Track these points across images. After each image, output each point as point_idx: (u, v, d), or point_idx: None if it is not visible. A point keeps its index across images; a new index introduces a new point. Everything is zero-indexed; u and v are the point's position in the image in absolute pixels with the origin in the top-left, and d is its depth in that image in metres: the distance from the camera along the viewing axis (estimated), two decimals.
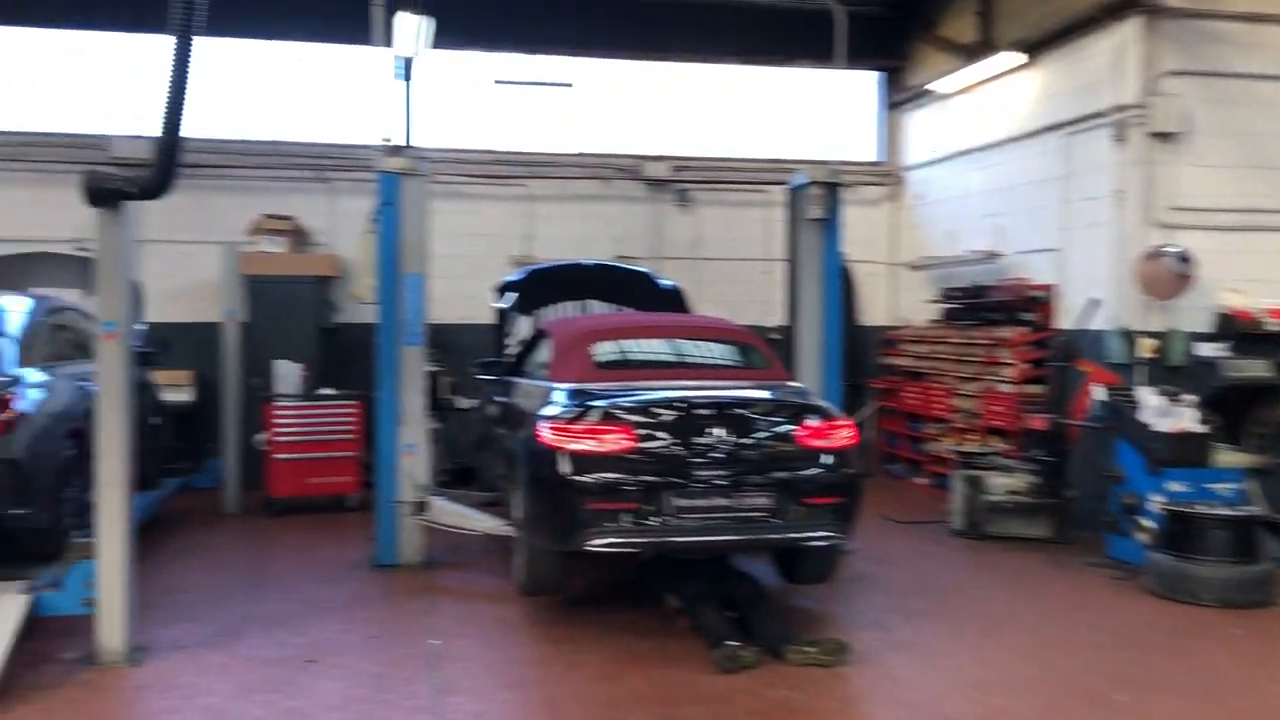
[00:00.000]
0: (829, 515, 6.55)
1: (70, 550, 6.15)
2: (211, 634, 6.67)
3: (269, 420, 10.46)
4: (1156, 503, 8.42)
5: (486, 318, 11.32)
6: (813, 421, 6.63)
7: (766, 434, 6.55)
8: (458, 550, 8.77)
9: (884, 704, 5.65)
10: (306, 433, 10.48)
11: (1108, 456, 9.27)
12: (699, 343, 7.64)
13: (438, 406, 11.25)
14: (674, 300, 10.03)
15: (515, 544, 7.36)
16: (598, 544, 6.28)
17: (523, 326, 9.79)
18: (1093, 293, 9.84)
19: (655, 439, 6.40)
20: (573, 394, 6.84)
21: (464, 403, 11.78)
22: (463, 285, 12.74)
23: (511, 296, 9.94)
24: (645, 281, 10.22)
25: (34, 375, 6.87)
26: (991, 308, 11.52)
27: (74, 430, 7.13)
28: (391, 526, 8.34)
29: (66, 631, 6.36)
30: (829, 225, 8.97)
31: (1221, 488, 8.46)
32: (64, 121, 12.23)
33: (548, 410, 6.76)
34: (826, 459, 6.58)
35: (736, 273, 13.75)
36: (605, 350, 7.39)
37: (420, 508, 8.28)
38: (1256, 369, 8.92)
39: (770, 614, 6.45)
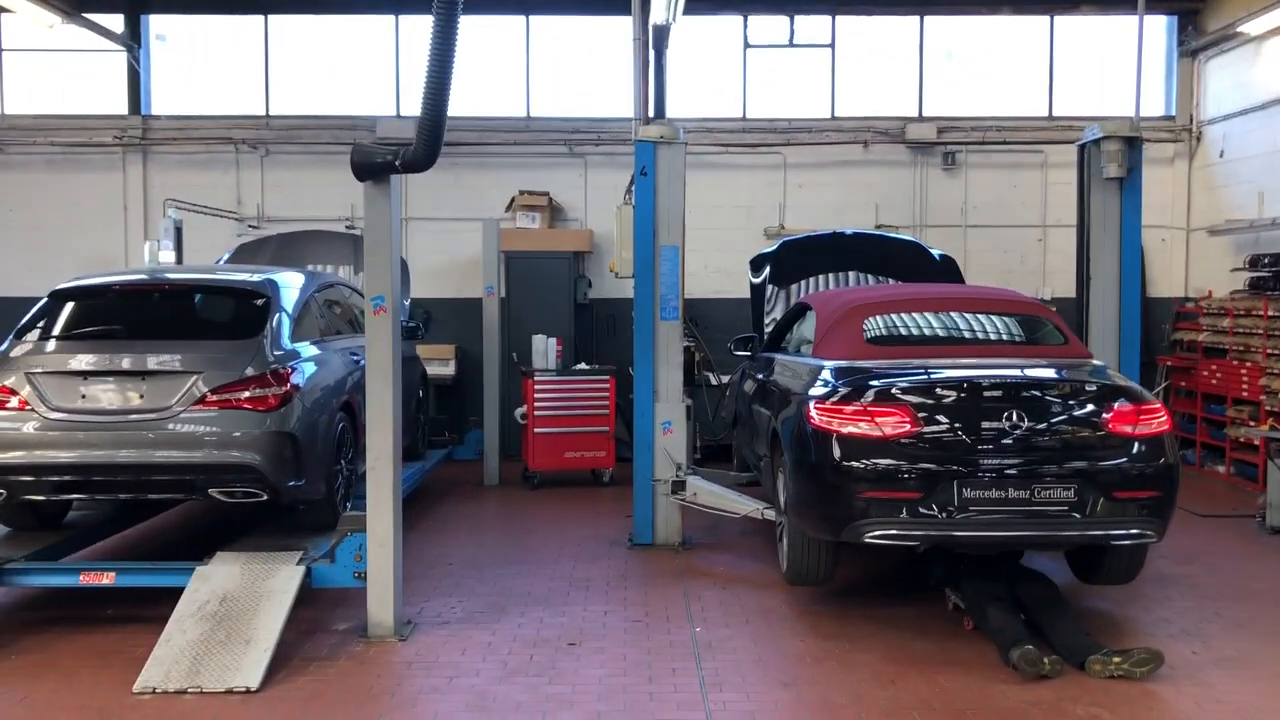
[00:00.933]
0: (1141, 511, 5.78)
1: (342, 523, 6.20)
2: (474, 609, 6.63)
3: (528, 394, 10.49)
4: None
5: (739, 291, 11.01)
6: (1121, 405, 5.87)
7: (1067, 418, 5.85)
8: (715, 531, 8.47)
9: None
10: (563, 407, 10.45)
11: None
12: (983, 316, 6.95)
13: (692, 383, 11.00)
14: (946, 272, 9.32)
15: (780, 530, 6.96)
16: (874, 536, 5.78)
17: (780, 300, 9.36)
18: None
19: (938, 423, 5.83)
20: (842, 372, 6.35)
21: (719, 379, 11.49)
22: (714, 258, 12.47)
23: (767, 270, 9.51)
24: (914, 251, 9.54)
25: (308, 349, 7.00)
26: None
27: (345, 404, 7.25)
28: (649, 505, 8.12)
29: (339, 602, 6.47)
30: (1127, 184, 8.07)
31: None
32: (336, 104, 12.69)
33: (816, 390, 6.30)
34: (1138, 447, 5.81)
35: (1007, 240, 12.82)
36: (877, 325, 6.84)
37: (678, 487, 8.01)
38: None
39: (1067, 618, 5.79)
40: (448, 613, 6.57)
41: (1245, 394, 11.01)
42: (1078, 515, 5.70)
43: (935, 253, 9.61)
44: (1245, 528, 8.86)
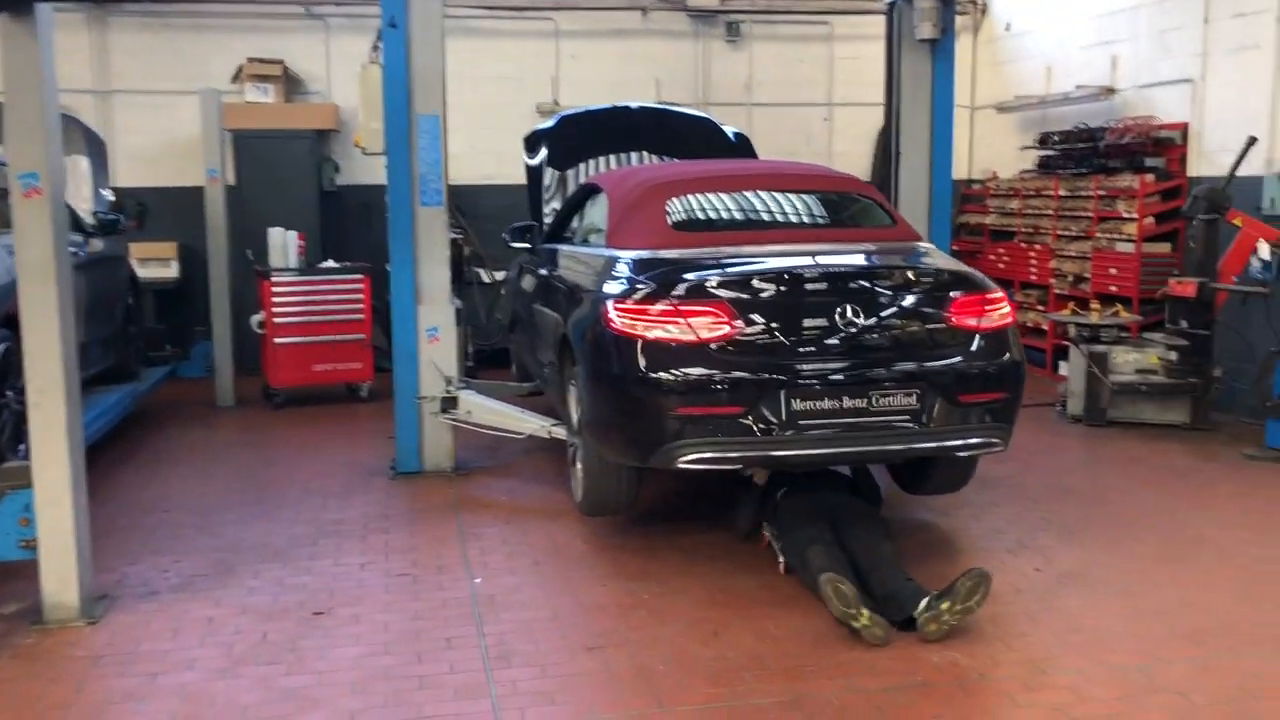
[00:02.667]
0: (987, 416, 5.04)
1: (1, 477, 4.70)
2: (194, 571, 5.29)
3: (265, 298, 8.94)
4: None
5: (513, 176, 9.72)
6: (963, 295, 5.06)
7: (906, 312, 4.99)
8: (494, 452, 7.34)
9: (1085, 670, 4.22)
10: (309, 312, 8.98)
11: (1274, 328, 7.72)
12: (802, 196, 5.96)
13: (461, 281, 9.72)
14: (743, 152, 8.33)
15: (573, 453, 5.90)
16: (689, 460, 4.79)
17: (561, 185, 8.16)
18: (1245, 129, 8.10)
19: (760, 323, 4.86)
20: (644, 265, 5.27)
21: (492, 277, 10.24)
22: (482, 138, 11.09)
23: (544, 150, 8.27)
24: (706, 129, 8.49)
25: None
26: (1105, 153, 9.79)
27: (8, 318, 5.61)
28: (414, 426, 6.89)
29: (7, 577, 4.99)
30: (940, 49, 7.26)
31: None
32: None
33: (613, 287, 5.20)
34: (983, 343, 5.03)
35: (793, 120, 12.02)
36: (682, 207, 5.74)
37: (448, 404, 6.81)
38: None
39: (888, 562, 4.79)
40: (158, 579, 5.20)
41: (1034, 278, 10.73)
42: (920, 425, 4.89)
43: (729, 130, 8.61)
44: (1045, 417, 8.49)
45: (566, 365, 5.79)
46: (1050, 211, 10.49)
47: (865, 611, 4.35)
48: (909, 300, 5.01)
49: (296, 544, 5.69)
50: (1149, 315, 9.13)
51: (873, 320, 4.88)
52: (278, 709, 3.95)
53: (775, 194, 5.87)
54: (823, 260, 5.19)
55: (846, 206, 5.98)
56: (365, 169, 10.23)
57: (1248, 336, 8.12)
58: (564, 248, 6.75)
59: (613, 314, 4.99)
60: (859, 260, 5.30)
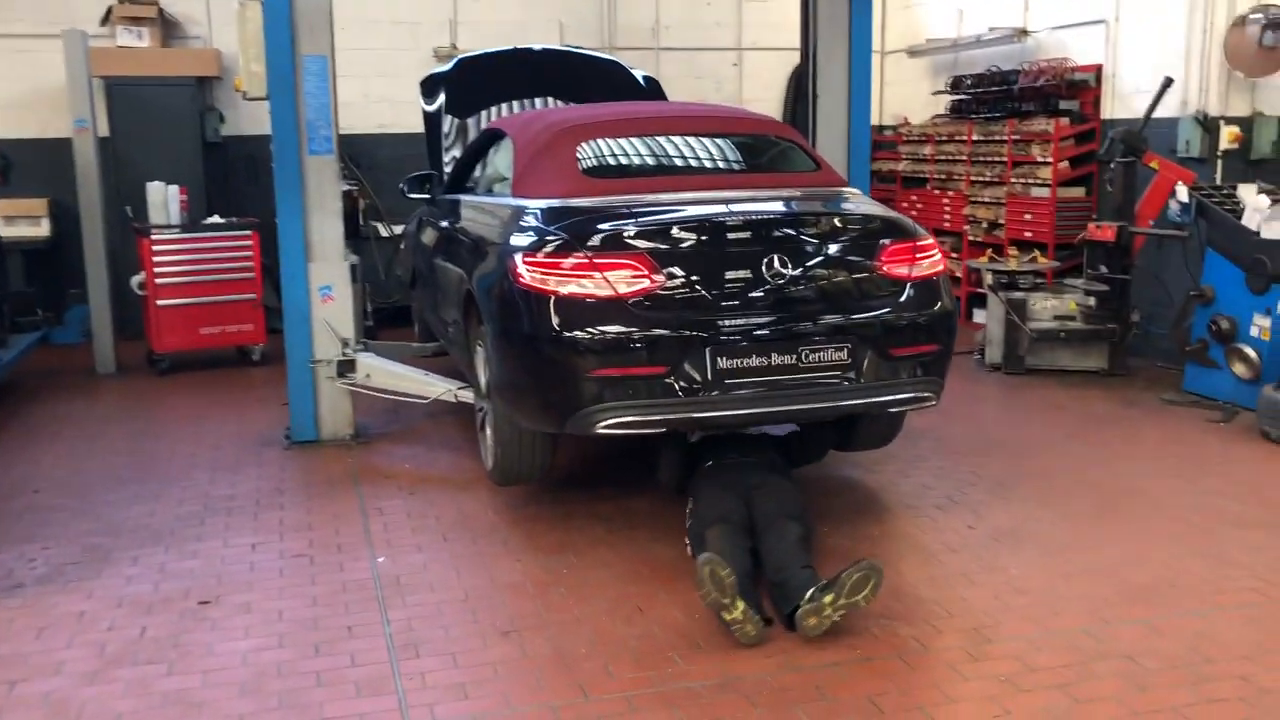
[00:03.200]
0: (919, 369, 4.78)
1: None
2: (65, 559, 4.80)
3: (145, 258, 8.32)
4: (1261, 327, 6.85)
5: (410, 125, 9.24)
6: (893, 242, 4.78)
7: (835, 262, 4.69)
8: (397, 416, 6.92)
9: (1030, 636, 4.02)
10: (194, 272, 8.40)
11: (1192, 272, 7.64)
12: (719, 140, 5.58)
13: (357, 235, 9.21)
14: (653, 97, 7.93)
15: (482, 418, 5.51)
16: (609, 425, 4.45)
17: (461, 133, 7.69)
18: (1160, 71, 7.97)
19: (683, 275, 4.51)
20: (555, 214, 4.87)
21: (391, 230, 9.71)
22: (376, 86, 10.55)
23: (442, 95, 7.77)
24: (614, 73, 8.06)
25: None
26: (1019, 96, 9.64)
27: None
28: (309, 393, 6.43)
29: None
30: None
31: None
32: None
33: (521, 239, 4.80)
34: (915, 293, 4.76)
35: (702, 65, 11.66)
36: (593, 152, 5.33)
37: (346, 368, 6.36)
38: None
39: (787, 543, 4.25)
40: (23, 570, 4.71)
41: (948, 224, 10.58)
42: (851, 380, 4.61)
43: (639, 74, 8.20)
44: (964, 366, 8.33)
45: (472, 324, 5.39)
46: (963, 157, 10.33)
47: (740, 605, 3.80)
48: (838, 249, 4.71)
49: (182, 524, 5.23)
50: (1065, 260, 9.03)
51: (800, 271, 4.57)
52: (156, 716, 3.53)
53: (692, 138, 5.51)
54: (747, 207, 4.85)
55: (767, 150, 5.64)
56: (252, 118, 9.59)
57: (1164, 279, 8.06)
58: (466, 198, 6.31)
59: (521, 268, 4.60)
60: (784, 207, 4.98)
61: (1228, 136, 7.87)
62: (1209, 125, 7.90)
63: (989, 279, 8.40)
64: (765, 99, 11.65)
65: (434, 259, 6.65)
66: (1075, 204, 9.18)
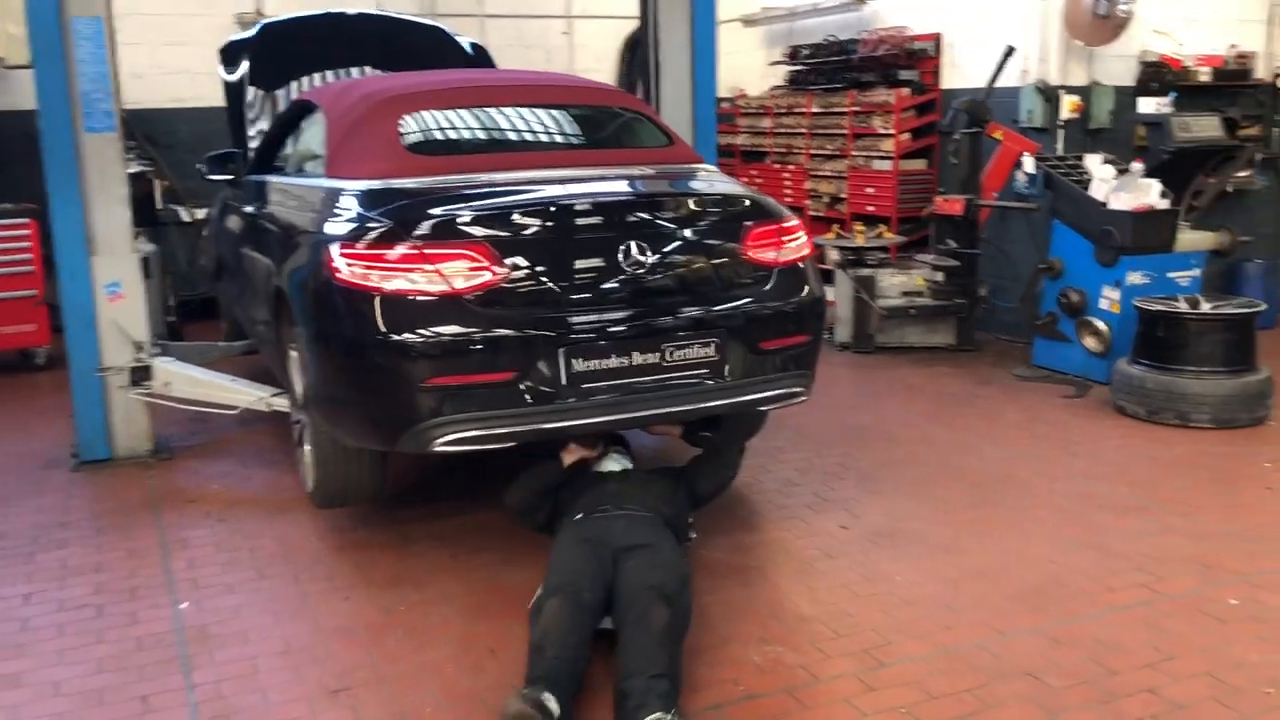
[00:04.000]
0: (791, 363, 4.38)
1: None
2: None
3: None
4: (1111, 299, 6.77)
5: (211, 99, 8.31)
6: (758, 225, 4.34)
7: (697, 248, 4.21)
8: (204, 426, 6.13)
9: (925, 656, 3.68)
10: None
11: (1038, 244, 7.54)
12: (562, 112, 5.02)
13: (155, 222, 8.28)
14: (482, 66, 7.31)
15: (300, 432, 4.84)
16: (449, 441, 3.87)
17: (270, 106, 6.91)
18: (999, 39, 7.82)
19: (529, 266, 3.96)
20: (377, 197, 4.24)
21: (193, 215, 8.78)
22: (168, 56, 9.58)
23: (245, 64, 6.96)
24: (438, 40, 7.38)
25: None
26: (858, 67, 9.42)
27: None
28: (98, 404, 5.61)
29: None
30: None
31: (1183, 276, 6.89)
32: None
33: (337, 226, 4.16)
34: (783, 280, 4.34)
35: (530, 34, 11.05)
36: (419, 126, 4.69)
37: (140, 375, 5.56)
38: (1208, 129, 7.27)
39: (651, 649, 3.23)
40: None
41: (789, 199, 10.30)
42: (720, 379, 4.16)
43: (465, 42, 7.56)
44: None
45: (284, 325, 4.71)
46: (803, 130, 10.07)
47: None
48: (700, 234, 4.23)
49: None
50: (910, 235, 8.86)
51: (660, 259, 4.08)
52: None
53: (531, 110, 4.93)
54: (598, 188, 4.34)
55: (614, 124, 5.12)
56: (26, 91, 8.47)
57: (1009, 252, 7.96)
58: (275, 179, 5.58)
59: (339, 261, 3.96)
60: (640, 187, 4.47)
61: (1069, 106, 7.79)
62: (1050, 95, 7.80)
63: (835, 256, 8.13)
64: (599, 70, 11.13)
65: (240, 248, 5.90)
66: (918, 176, 9.03)
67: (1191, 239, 7.02)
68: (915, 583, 4.15)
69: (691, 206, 4.31)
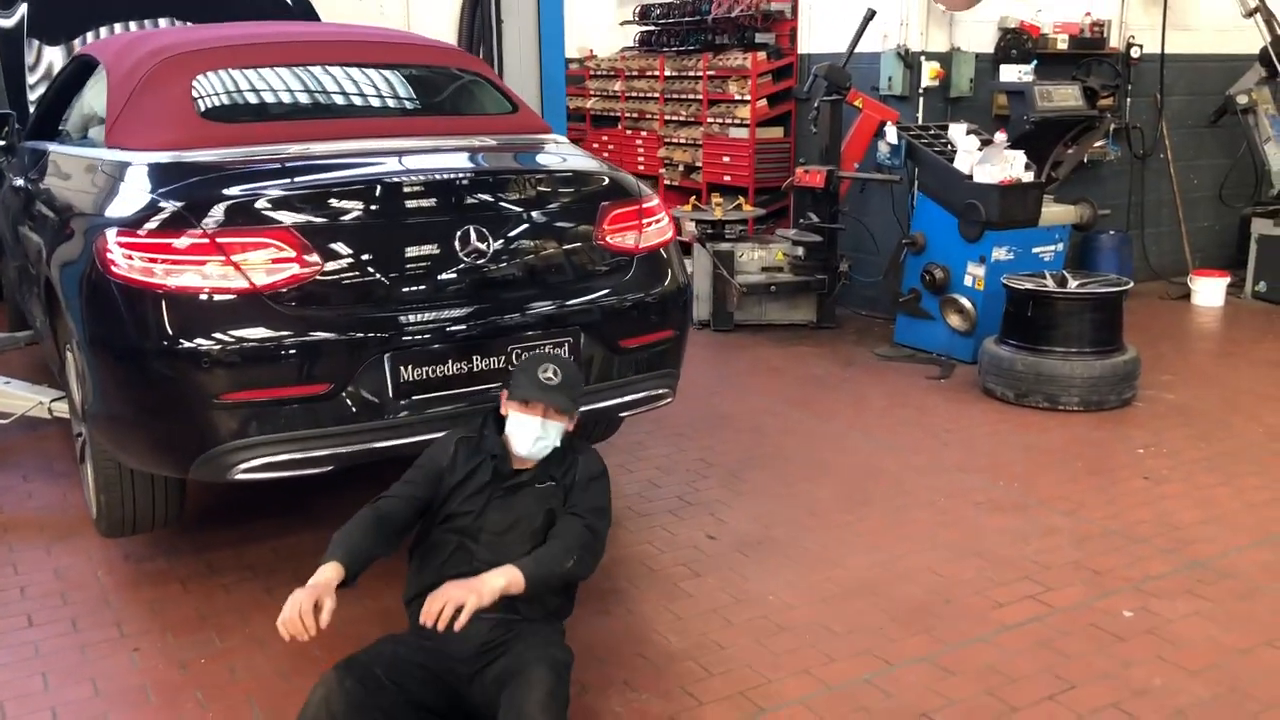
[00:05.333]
0: (655, 360, 3.90)
1: None
2: None
3: None
4: (976, 276, 6.54)
5: None
6: (616, 205, 3.84)
7: (547, 233, 3.68)
8: None
9: (810, 697, 3.29)
10: None
11: (900, 217, 7.28)
12: (385, 73, 4.35)
13: None
14: (302, 18, 6.58)
15: (82, 445, 4.12)
16: (252, 468, 3.27)
17: (51, 58, 6.05)
18: (860, 2, 7.48)
19: (346, 256, 3.36)
20: (164, 173, 3.56)
21: None
22: None
23: (22, 9, 6.07)
24: None
25: None
26: (712, 28, 8.98)
27: None
28: None
29: None
30: None
31: (1047, 251, 6.71)
32: None
33: (117, 208, 3.48)
34: (644, 268, 3.86)
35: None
36: (217, 87, 3.99)
37: None
38: (1069, 99, 7.07)
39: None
40: None
41: (642, 168, 9.86)
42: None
43: None
44: None
45: (60, 323, 3.98)
46: (656, 94, 9.61)
47: None
48: (550, 216, 3.71)
49: None
50: (768, 207, 8.51)
51: (503, 246, 3.54)
52: None
53: (353, 70, 4.28)
54: (431, 162, 3.75)
55: (450, 87, 4.51)
56: None
57: (867, 225, 7.68)
58: (53, 147, 4.79)
59: (115, 252, 3.29)
60: (480, 162, 3.91)
61: (929, 73, 7.51)
62: (911, 61, 7.51)
63: (693, 229, 7.71)
64: (439, 29, 10.35)
65: (16, 226, 5.08)
66: (775, 145, 8.67)
67: (1054, 213, 6.84)
68: (790, 604, 3.76)
69: (540, 185, 3.75)
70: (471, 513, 2.96)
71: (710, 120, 8.95)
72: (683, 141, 9.31)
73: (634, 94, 9.90)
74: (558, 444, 3.04)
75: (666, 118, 9.52)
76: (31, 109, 5.68)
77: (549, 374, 2.98)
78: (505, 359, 3.49)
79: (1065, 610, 3.71)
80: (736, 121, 8.69)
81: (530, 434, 2.97)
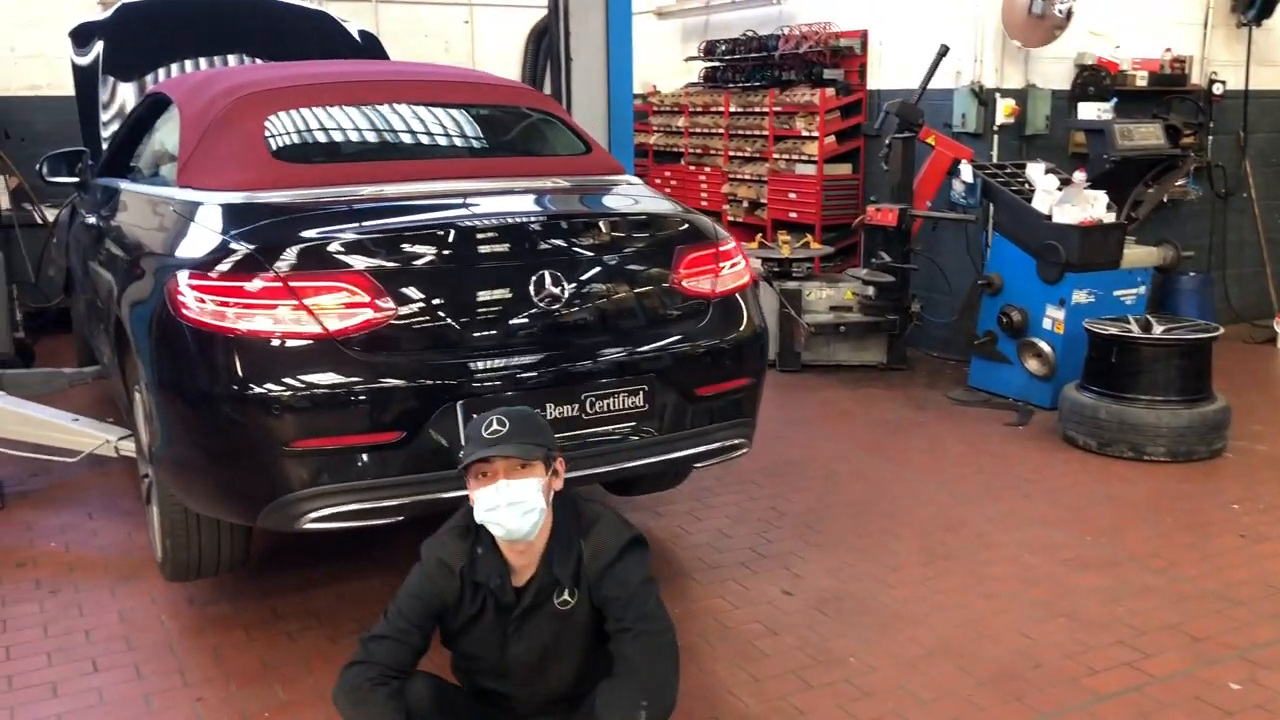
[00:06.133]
0: (731, 409, 3.77)
1: None
2: None
3: None
4: (1055, 319, 6.34)
5: (66, 86, 7.42)
6: (692, 249, 3.73)
7: (623, 278, 3.58)
8: (46, 465, 5.27)
9: None
10: None
11: (974, 258, 7.10)
12: (461, 113, 4.30)
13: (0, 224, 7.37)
14: (372, 56, 6.58)
15: (148, 487, 4.08)
16: (320, 519, 3.19)
17: (124, 96, 6.10)
18: (929, 38, 7.34)
19: (419, 301, 3.29)
20: (237, 214, 3.52)
21: (44, 216, 7.86)
22: (26, 37, 8.63)
23: (99, 47, 6.13)
24: (322, 26, 6.64)
25: None
26: (780, 64, 8.88)
27: None
28: None
29: None
30: None
31: (1129, 294, 6.49)
32: None
33: (189, 249, 3.45)
34: (722, 313, 3.74)
35: (429, 22, 10.28)
36: (289, 127, 3.96)
37: None
38: (1150, 137, 6.87)
39: None
40: None
41: (705, 204, 9.74)
42: (651, 431, 3.54)
43: (353, 29, 6.81)
44: None
45: (129, 362, 3.95)
46: (721, 130, 9.52)
47: None
48: (626, 261, 3.61)
49: None
50: (834, 244, 8.36)
51: (578, 290, 3.44)
52: None
53: (425, 109, 4.23)
54: (504, 205, 3.67)
55: (521, 127, 4.45)
56: None
57: (940, 265, 7.50)
58: (125, 185, 4.79)
59: (186, 294, 3.25)
60: (555, 205, 3.82)
61: (1005, 110, 7.34)
62: (985, 98, 7.35)
63: (759, 267, 7.57)
64: (502, 62, 10.41)
65: (87, 262, 5.09)
66: (842, 182, 8.53)
67: (1136, 255, 6.62)
68: (871, 666, 3.59)
69: (615, 229, 3.66)
70: (490, 656, 2.64)
71: (776, 156, 8.84)
72: (747, 178, 9.21)
73: (698, 130, 9.81)
74: (543, 506, 2.55)
75: (731, 154, 9.42)
76: (105, 146, 5.70)
77: (493, 426, 2.52)
78: (579, 406, 3.38)
79: (1165, 679, 3.50)
80: (804, 158, 8.56)
81: (504, 508, 2.50)
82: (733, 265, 3.82)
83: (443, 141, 4.21)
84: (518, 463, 2.51)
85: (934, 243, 7.57)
